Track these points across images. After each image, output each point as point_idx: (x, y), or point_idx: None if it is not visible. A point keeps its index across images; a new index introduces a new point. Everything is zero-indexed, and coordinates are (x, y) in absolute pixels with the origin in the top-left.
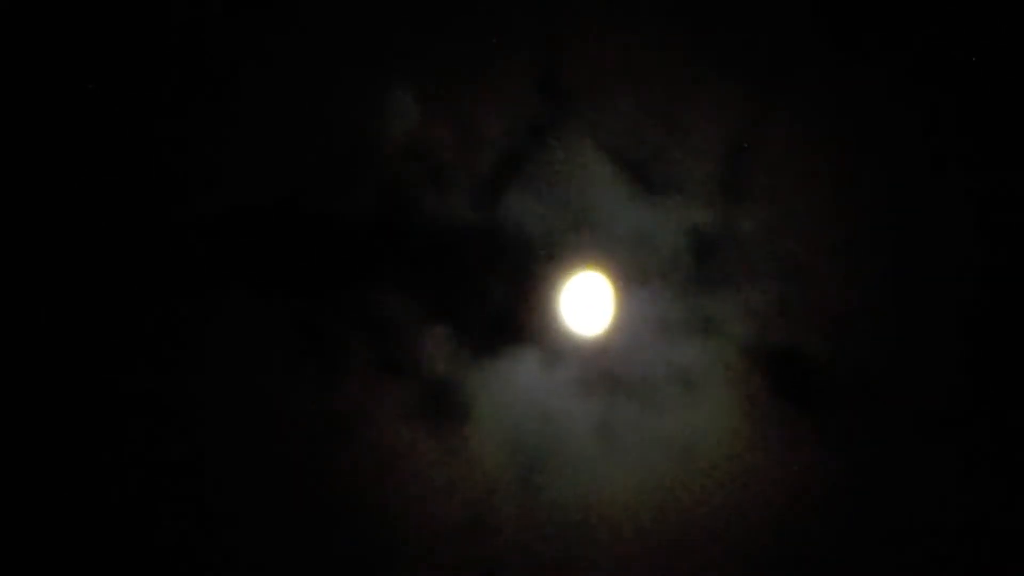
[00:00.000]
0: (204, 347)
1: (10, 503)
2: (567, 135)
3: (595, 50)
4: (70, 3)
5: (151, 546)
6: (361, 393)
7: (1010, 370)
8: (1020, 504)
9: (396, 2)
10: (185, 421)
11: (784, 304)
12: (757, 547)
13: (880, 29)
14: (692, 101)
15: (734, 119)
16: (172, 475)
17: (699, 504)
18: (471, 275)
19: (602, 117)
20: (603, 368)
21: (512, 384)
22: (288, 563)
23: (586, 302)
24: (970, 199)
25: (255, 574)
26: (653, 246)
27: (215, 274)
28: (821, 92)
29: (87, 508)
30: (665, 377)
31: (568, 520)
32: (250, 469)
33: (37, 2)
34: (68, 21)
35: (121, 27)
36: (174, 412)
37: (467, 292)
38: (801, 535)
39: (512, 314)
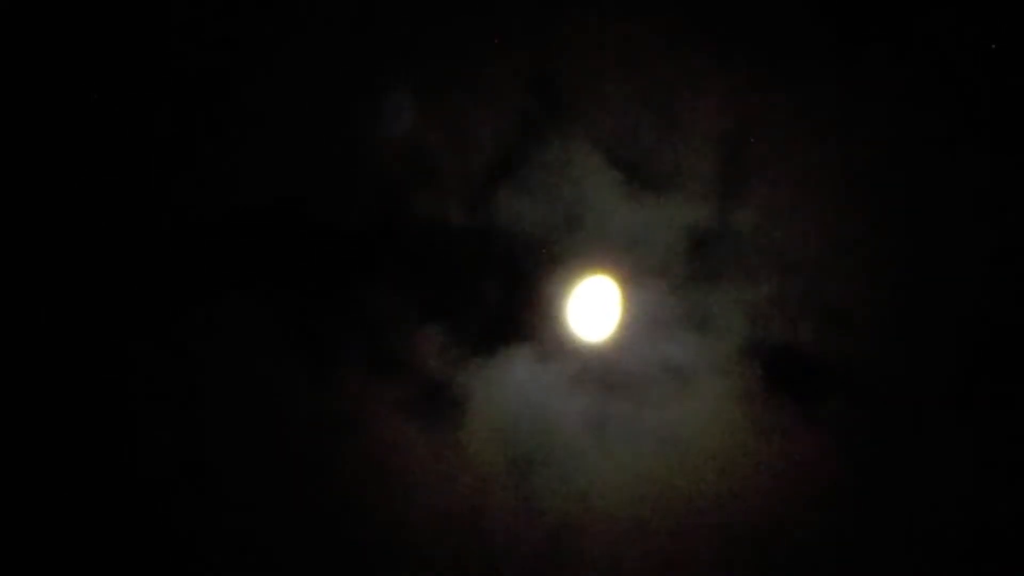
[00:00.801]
0: (202, 349)
1: (13, 508)
2: (562, 133)
3: (589, 47)
4: (68, 9)
5: (148, 542)
6: (359, 392)
7: (1005, 363)
8: (1015, 494)
9: (389, 4)
10: (184, 420)
11: (780, 299)
12: (754, 538)
13: (881, 25)
14: (688, 97)
15: (730, 114)
16: (171, 473)
17: (695, 496)
18: (467, 275)
19: (597, 114)
20: (599, 365)
21: (509, 382)
22: (287, 557)
23: (581, 300)
24: (968, 195)
25: (254, 569)
26: (650, 244)
27: (212, 277)
28: (817, 88)
29: (84, 503)
30: (662, 372)
31: (564, 514)
32: (249, 466)
33: (35, 10)
34: (65, 27)
35: (117, 36)
36: (173, 411)
37: (463, 292)
38: (798, 525)
39: (508, 313)
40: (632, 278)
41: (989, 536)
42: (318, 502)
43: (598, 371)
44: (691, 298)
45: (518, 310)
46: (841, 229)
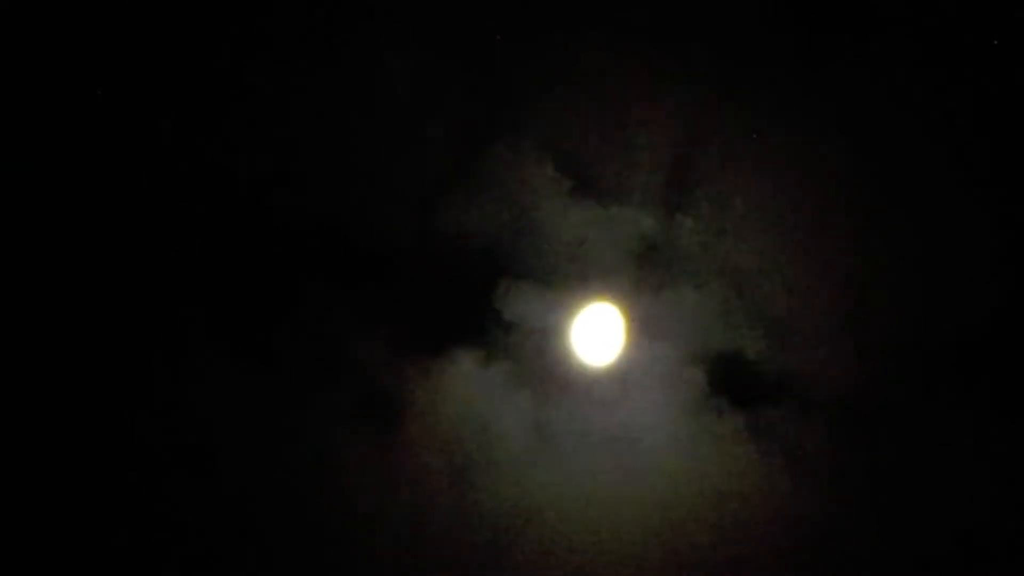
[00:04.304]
0: (149, 359)
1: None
2: (509, 140)
3: (540, 53)
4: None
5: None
6: (301, 394)
7: (952, 374)
8: (963, 501)
9: (340, 11)
10: (125, 423)
11: (726, 308)
12: (692, 539)
13: (834, 41)
14: (638, 105)
15: (680, 122)
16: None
17: (638, 502)
18: (410, 279)
19: (545, 120)
20: (543, 370)
21: (451, 386)
22: (227, 559)
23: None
24: (915, 206)
25: (195, 568)
26: (595, 250)
27: (156, 279)
28: (767, 99)
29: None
30: (606, 378)
31: (503, 518)
32: (187, 468)
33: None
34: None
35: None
36: (117, 414)
37: (406, 295)
38: (735, 528)
39: (451, 317)
40: (577, 284)
41: (942, 545)
42: (258, 504)
43: (542, 376)
44: (637, 304)
45: (461, 314)
46: (787, 240)
